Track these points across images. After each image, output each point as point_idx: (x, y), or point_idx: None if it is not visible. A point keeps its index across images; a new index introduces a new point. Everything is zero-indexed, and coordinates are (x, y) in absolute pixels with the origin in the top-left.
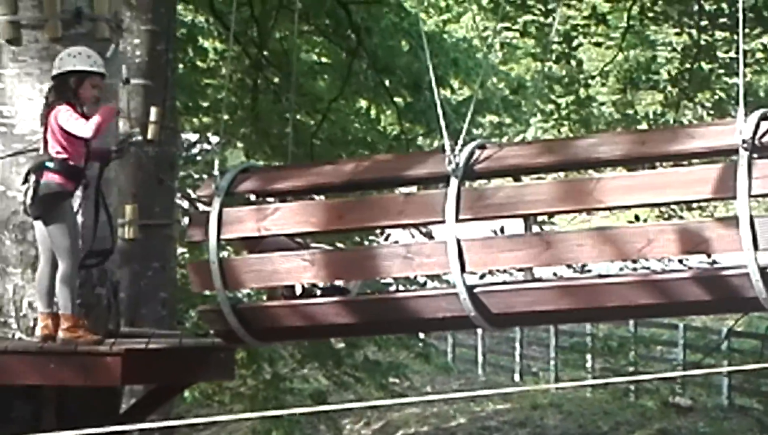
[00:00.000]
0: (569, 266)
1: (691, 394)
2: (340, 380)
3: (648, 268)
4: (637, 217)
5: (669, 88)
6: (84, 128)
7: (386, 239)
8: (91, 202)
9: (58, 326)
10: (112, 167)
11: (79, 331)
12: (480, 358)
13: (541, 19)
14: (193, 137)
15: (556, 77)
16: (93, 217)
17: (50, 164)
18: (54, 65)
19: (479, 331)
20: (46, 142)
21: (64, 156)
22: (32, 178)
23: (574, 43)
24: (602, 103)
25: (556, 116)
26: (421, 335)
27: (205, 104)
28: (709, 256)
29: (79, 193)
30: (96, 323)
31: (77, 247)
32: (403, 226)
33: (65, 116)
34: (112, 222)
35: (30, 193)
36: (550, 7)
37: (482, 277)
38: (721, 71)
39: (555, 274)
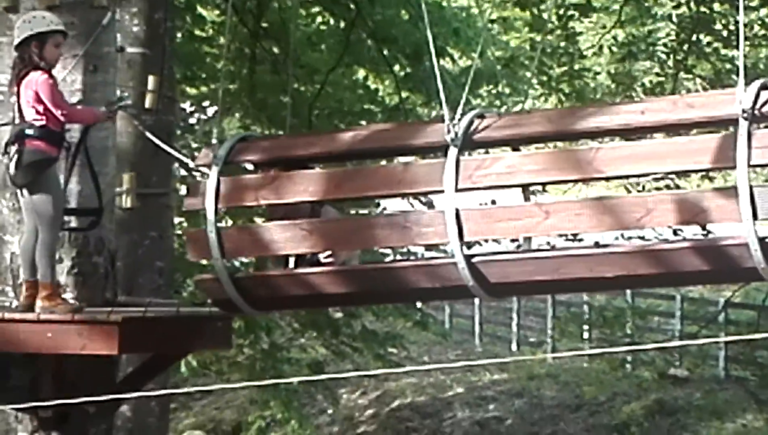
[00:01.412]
0: (561, 235)
1: (687, 365)
2: (337, 350)
3: (642, 238)
4: (628, 190)
5: (666, 60)
6: (61, 112)
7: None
8: (85, 167)
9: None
10: (109, 136)
11: (57, 300)
12: (477, 329)
13: None
14: (191, 107)
15: (553, 47)
16: (92, 183)
17: (30, 131)
18: (14, 36)
19: (476, 301)
20: (21, 110)
21: (43, 122)
22: (13, 148)
23: (572, 14)
24: (597, 73)
25: (551, 88)
26: (419, 305)
27: (203, 75)
28: (704, 227)
29: (62, 156)
30: (93, 292)
31: (60, 217)
32: (402, 196)
33: (45, 88)
34: (97, 181)
35: (13, 162)
36: None
37: (471, 247)
38: (719, 44)
39: (548, 244)
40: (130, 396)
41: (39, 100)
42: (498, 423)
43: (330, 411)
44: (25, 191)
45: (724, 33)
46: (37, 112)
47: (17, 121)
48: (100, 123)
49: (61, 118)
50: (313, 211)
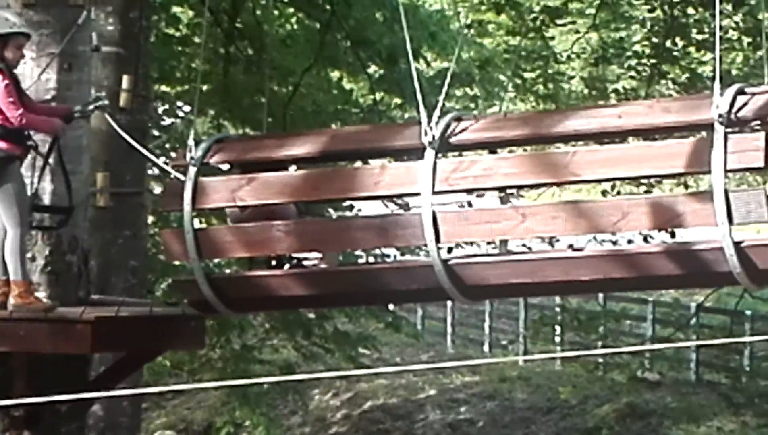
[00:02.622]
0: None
1: (659, 369)
2: (309, 352)
3: (615, 243)
4: (604, 193)
5: (641, 64)
6: (13, 115)
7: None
8: (59, 166)
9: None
10: (84, 135)
11: (30, 298)
12: (449, 331)
13: None
14: (162, 106)
15: (528, 51)
16: (65, 181)
17: None
18: None
19: (449, 303)
20: None
21: (0, 122)
22: None
23: (545, 18)
24: (572, 77)
25: (527, 90)
26: (391, 307)
27: (177, 74)
28: (673, 235)
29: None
30: (66, 290)
31: (25, 213)
32: (379, 198)
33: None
34: (68, 180)
35: None
36: None
37: (450, 250)
38: (692, 48)
39: (525, 246)
40: (102, 395)
41: None
42: (469, 425)
43: (301, 413)
44: None
45: (699, 37)
46: None
47: None
48: (67, 121)
49: (13, 122)
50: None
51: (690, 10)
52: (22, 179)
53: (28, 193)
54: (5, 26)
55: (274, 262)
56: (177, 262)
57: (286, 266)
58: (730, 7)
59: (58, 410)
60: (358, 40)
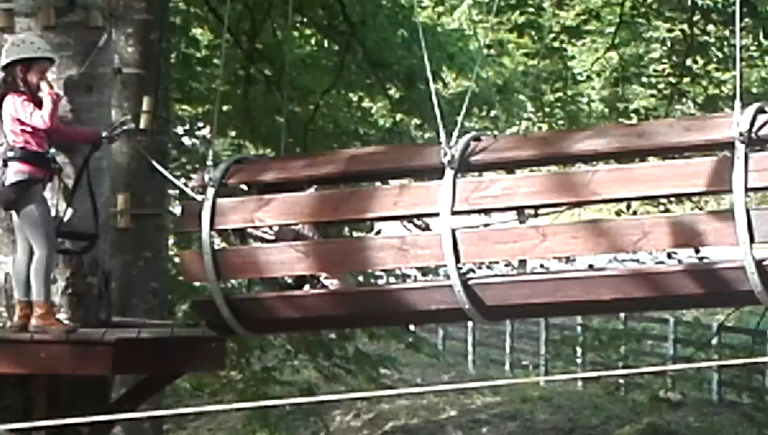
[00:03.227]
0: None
1: (681, 389)
2: (330, 373)
3: (637, 261)
4: (618, 213)
5: (661, 83)
6: (40, 120)
7: (377, 235)
8: (85, 189)
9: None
10: (104, 157)
11: (51, 319)
12: (470, 351)
13: (534, 17)
14: (183, 127)
15: (548, 72)
16: (91, 207)
17: (11, 153)
18: (0, 57)
19: (470, 323)
20: (4, 133)
21: (21, 144)
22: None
23: (565, 39)
24: (592, 101)
25: (546, 112)
26: (412, 328)
27: (197, 95)
28: (697, 251)
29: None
30: (87, 312)
31: (51, 235)
32: (398, 218)
33: (20, 108)
34: (96, 205)
35: (0, 185)
36: (544, 4)
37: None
38: (713, 66)
39: (542, 266)
40: (123, 417)
41: (17, 122)
42: None
43: (322, 434)
44: (13, 213)
45: (719, 54)
46: (16, 134)
47: (3, 143)
48: (96, 146)
49: (46, 124)
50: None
51: (710, 27)
52: (46, 202)
53: (52, 215)
54: (30, 50)
55: (290, 282)
56: (197, 283)
57: (306, 287)
58: (747, 34)
59: (79, 432)
60: (377, 62)
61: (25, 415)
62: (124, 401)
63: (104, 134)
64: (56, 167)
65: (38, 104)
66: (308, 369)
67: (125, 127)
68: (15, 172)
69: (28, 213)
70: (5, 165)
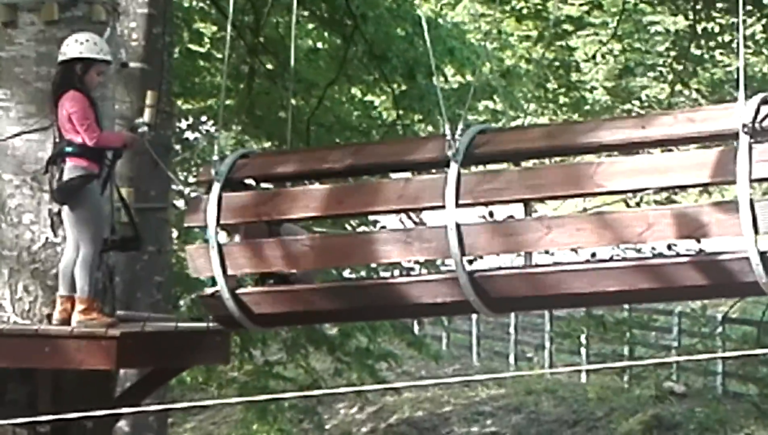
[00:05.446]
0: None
1: (685, 380)
2: (333, 367)
3: (638, 251)
4: (626, 203)
5: (664, 72)
6: (88, 137)
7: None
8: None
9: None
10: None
11: (93, 314)
12: (474, 344)
13: (536, 3)
14: (186, 121)
15: (550, 62)
16: (125, 208)
17: (69, 149)
18: (60, 51)
19: (474, 316)
20: (59, 128)
21: (79, 139)
22: (54, 166)
23: (567, 28)
24: (594, 88)
25: (550, 101)
26: (415, 326)
27: (200, 89)
28: (698, 242)
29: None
30: None
31: (100, 233)
32: (403, 211)
33: (77, 112)
34: (130, 210)
35: (55, 180)
36: None
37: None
38: (716, 52)
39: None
40: (128, 411)
41: (72, 118)
42: None
43: (327, 426)
44: (66, 208)
45: (723, 39)
46: (74, 131)
47: (57, 139)
48: (119, 152)
49: (89, 143)
50: (271, 231)
51: (714, 14)
52: (99, 199)
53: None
54: (93, 51)
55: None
56: (201, 277)
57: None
58: (753, 20)
59: (84, 426)
60: (379, 56)
61: (29, 409)
62: (129, 395)
63: (130, 134)
64: (108, 162)
65: (92, 104)
66: (310, 364)
67: (140, 130)
68: (72, 166)
69: (80, 211)
70: (62, 160)
